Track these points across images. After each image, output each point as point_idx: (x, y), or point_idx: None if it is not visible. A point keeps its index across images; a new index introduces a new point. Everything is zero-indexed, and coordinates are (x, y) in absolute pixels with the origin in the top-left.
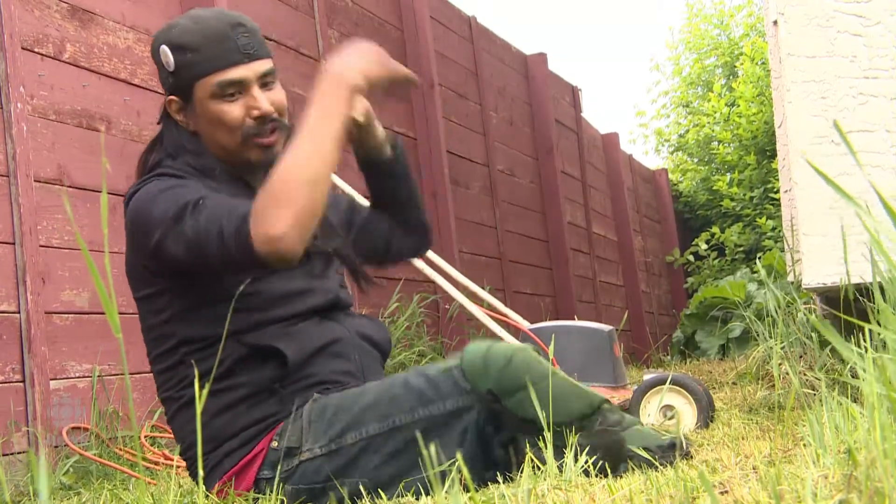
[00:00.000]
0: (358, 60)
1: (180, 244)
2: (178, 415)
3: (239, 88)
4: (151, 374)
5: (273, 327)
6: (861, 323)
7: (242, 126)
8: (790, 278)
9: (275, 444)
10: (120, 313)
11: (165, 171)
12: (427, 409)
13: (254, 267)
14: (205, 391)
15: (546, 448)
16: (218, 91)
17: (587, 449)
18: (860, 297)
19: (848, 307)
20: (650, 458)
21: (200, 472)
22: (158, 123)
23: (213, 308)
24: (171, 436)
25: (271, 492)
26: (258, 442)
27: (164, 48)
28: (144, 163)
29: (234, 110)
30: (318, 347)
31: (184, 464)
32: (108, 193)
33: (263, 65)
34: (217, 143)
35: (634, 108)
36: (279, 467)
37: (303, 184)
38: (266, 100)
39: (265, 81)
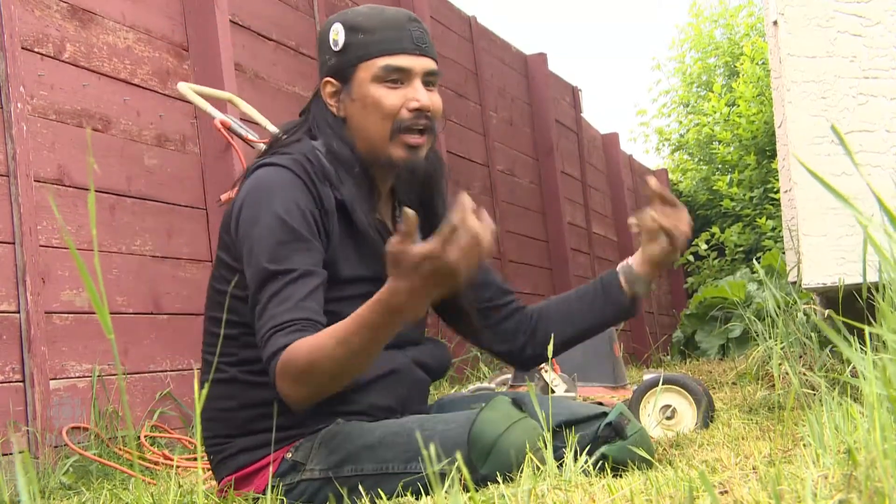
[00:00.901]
0: (432, 287)
1: (250, 284)
2: (212, 386)
3: (403, 77)
4: (151, 375)
5: None
6: (860, 325)
7: (397, 115)
8: (790, 278)
9: (289, 455)
10: (118, 313)
11: (301, 162)
12: (421, 465)
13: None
14: (204, 391)
15: (546, 448)
16: (382, 74)
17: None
18: (858, 298)
19: (847, 307)
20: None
21: (200, 473)
22: (301, 114)
23: None
24: (171, 435)
25: (273, 500)
26: (278, 449)
27: (338, 26)
28: (278, 139)
29: (393, 97)
30: (372, 378)
31: (184, 463)
32: (108, 193)
33: (430, 63)
34: (366, 130)
35: (635, 107)
36: (285, 478)
37: (330, 378)
38: (427, 95)
39: (428, 80)
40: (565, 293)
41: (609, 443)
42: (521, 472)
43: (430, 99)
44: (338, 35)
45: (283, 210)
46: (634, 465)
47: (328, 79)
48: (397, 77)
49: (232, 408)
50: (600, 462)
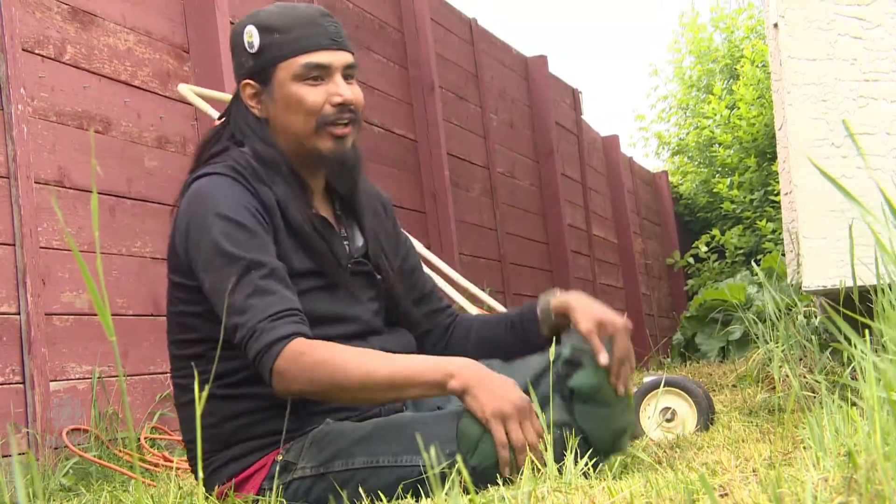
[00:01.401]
0: (489, 395)
1: (215, 293)
2: (188, 406)
3: (323, 73)
4: (151, 376)
5: None
6: (864, 320)
7: (320, 112)
8: (790, 281)
9: (280, 457)
10: (119, 315)
11: (234, 166)
12: (412, 458)
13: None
14: (204, 394)
15: (546, 450)
16: (302, 72)
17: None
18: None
19: (847, 310)
20: None
21: (200, 473)
22: (220, 119)
23: None
24: (171, 437)
25: (273, 501)
26: (268, 453)
27: (251, 28)
28: (203, 151)
29: (315, 94)
30: None
31: (184, 465)
32: (109, 195)
33: (349, 57)
34: (290, 129)
35: (634, 113)
36: (276, 480)
37: (341, 390)
38: (349, 89)
39: (347, 74)
40: (492, 316)
41: (570, 377)
42: (521, 473)
43: (352, 92)
44: (252, 37)
45: (230, 211)
46: (605, 393)
47: (247, 81)
48: (317, 74)
49: (214, 423)
50: (601, 465)
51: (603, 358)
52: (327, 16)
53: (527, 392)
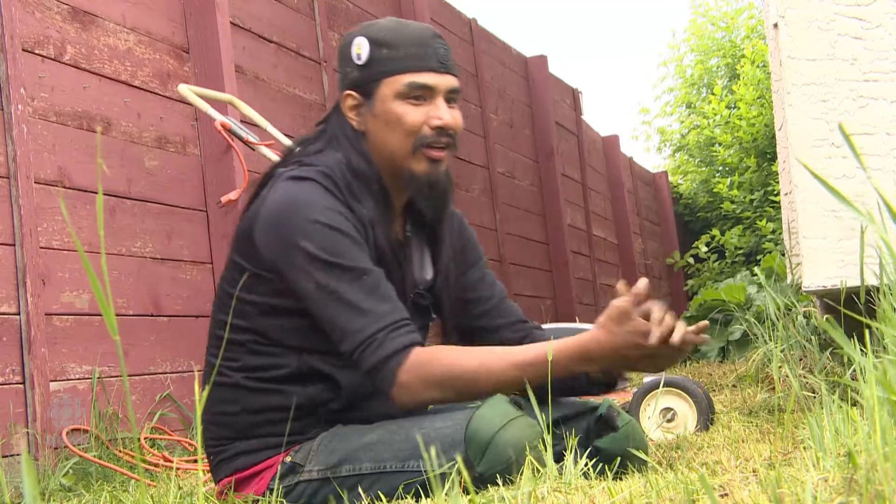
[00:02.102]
0: (623, 359)
1: (319, 297)
2: (216, 387)
3: (426, 94)
4: (151, 377)
5: (341, 359)
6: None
7: (419, 132)
8: (790, 281)
9: (288, 458)
10: (119, 315)
11: (330, 175)
12: (418, 463)
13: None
14: (205, 393)
15: (546, 450)
16: (405, 91)
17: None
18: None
19: (849, 308)
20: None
21: (200, 475)
22: (318, 124)
23: (303, 320)
24: (171, 437)
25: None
26: (278, 453)
27: (361, 40)
28: (297, 147)
29: (415, 114)
30: (375, 390)
31: (184, 465)
32: (109, 195)
33: (453, 81)
34: (386, 145)
35: (639, 105)
36: (284, 481)
37: (471, 392)
38: (449, 113)
39: (450, 97)
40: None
41: (601, 436)
42: (521, 474)
43: (453, 116)
44: (361, 49)
45: (329, 220)
46: (628, 461)
47: (349, 92)
48: (420, 94)
49: (233, 412)
50: (595, 458)
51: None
52: (438, 38)
53: (555, 426)
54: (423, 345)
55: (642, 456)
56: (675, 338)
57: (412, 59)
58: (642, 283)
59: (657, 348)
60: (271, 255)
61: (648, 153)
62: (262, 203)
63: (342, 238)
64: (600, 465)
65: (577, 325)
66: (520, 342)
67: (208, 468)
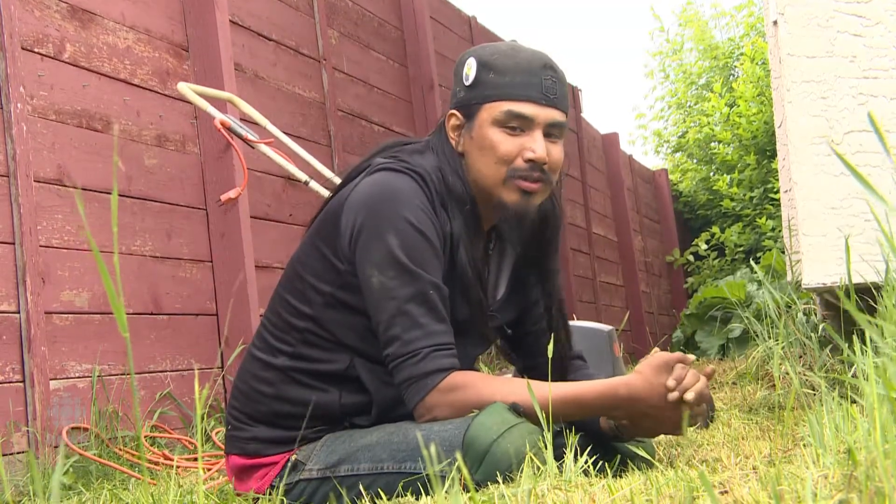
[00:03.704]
0: (649, 426)
1: (383, 295)
2: (259, 365)
3: (523, 125)
4: (151, 375)
5: (387, 373)
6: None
7: (511, 164)
8: (789, 278)
9: (294, 456)
10: None
11: (427, 178)
12: (415, 465)
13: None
14: (205, 391)
15: (546, 448)
16: (503, 118)
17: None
18: (858, 298)
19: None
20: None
21: (200, 473)
22: (416, 143)
23: (365, 319)
24: (171, 435)
25: (273, 500)
26: (286, 451)
27: (472, 60)
28: (398, 142)
29: (509, 144)
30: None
31: (184, 464)
32: (108, 193)
33: (556, 115)
34: (479, 171)
35: (633, 111)
36: (284, 478)
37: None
38: (544, 148)
39: (551, 132)
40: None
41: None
42: (521, 473)
43: (549, 151)
44: (470, 70)
45: (416, 218)
46: (636, 463)
47: (454, 112)
48: (517, 124)
49: (268, 394)
50: (601, 462)
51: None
52: (549, 69)
53: (559, 434)
54: (460, 370)
55: (648, 457)
56: (689, 396)
57: (515, 87)
58: (689, 357)
59: (670, 407)
60: (352, 242)
61: (647, 156)
62: (354, 188)
63: (425, 244)
64: (600, 462)
65: (592, 324)
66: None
67: (209, 466)
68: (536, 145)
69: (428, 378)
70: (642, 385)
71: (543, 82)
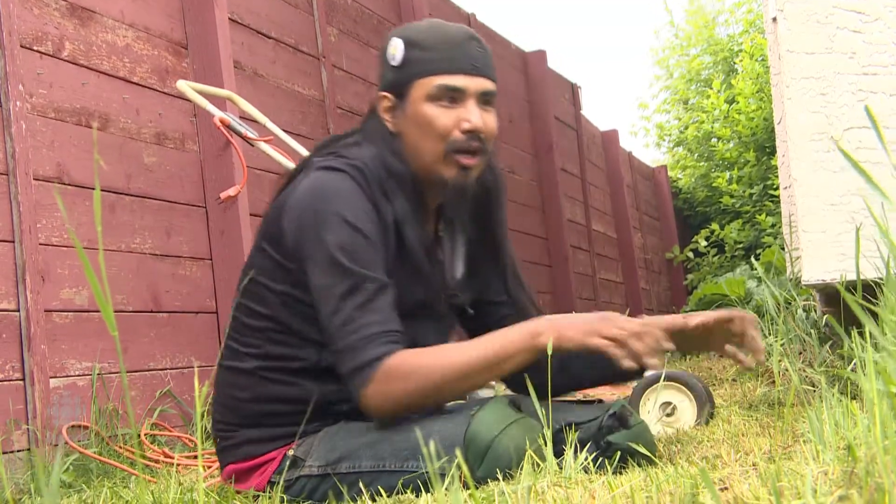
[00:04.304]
0: (577, 325)
1: (322, 294)
2: (230, 371)
3: (457, 97)
4: (151, 373)
5: None
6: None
7: (449, 136)
8: (789, 275)
9: (290, 452)
10: (117, 311)
11: (363, 170)
12: (417, 464)
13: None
14: (205, 388)
15: (546, 445)
16: (436, 93)
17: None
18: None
19: (847, 304)
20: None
21: (200, 471)
22: (351, 135)
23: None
24: (171, 433)
25: (273, 498)
26: (282, 445)
27: (397, 40)
28: (336, 140)
29: (445, 117)
30: None
31: (184, 461)
32: (107, 191)
33: (487, 84)
34: (418, 149)
35: (637, 100)
36: (283, 475)
37: (439, 395)
38: (480, 116)
39: (484, 100)
40: None
41: (613, 432)
42: (521, 470)
43: (484, 120)
44: (396, 50)
45: (351, 215)
46: (636, 460)
47: (384, 94)
48: (452, 96)
49: (245, 399)
50: (601, 459)
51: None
52: (474, 40)
53: (560, 431)
54: (401, 353)
55: (649, 454)
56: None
57: (444, 61)
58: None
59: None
60: (294, 243)
61: (647, 149)
62: (293, 190)
63: (361, 240)
64: (600, 459)
65: None
66: None
67: (209, 464)
68: (472, 115)
69: (363, 371)
70: (556, 317)
71: (471, 53)
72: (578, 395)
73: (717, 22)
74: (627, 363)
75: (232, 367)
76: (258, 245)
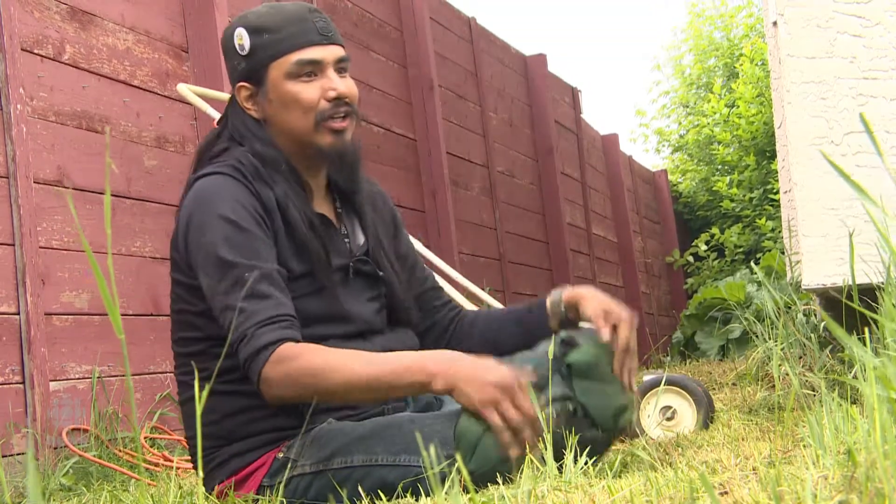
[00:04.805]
0: (476, 382)
1: (212, 295)
2: (190, 403)
3: (315, 69)
4: (151, 376)
5: None
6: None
7: (317, 107)
8: (789, 279)
9: (280, 454)
10: (120, 314)
11: (236, 166)
12: (409, 458)
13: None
14: (205, 393)
15: (546, 449)
16: (295, 70)
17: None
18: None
19: (848, 308)
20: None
21: (200, 473)
22: (217, 123)
23: None
24: (171, 437)
25: (272, 500)
26: (270, 450)
27: (240, 31)
28: (204, 151)
29: (309, 90)
30: None
31: (184, 465)
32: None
33: (340, 51)
34: (288, 127)
35: (635, 108)
36: (277, 477)
37: (325, 394)
38: (342, 83)
39: (340, 67)
40: (497, 311)
41: (567, 355)
42: (521, 472)
43: (346, 85)
44: (242, 39)
45: (230, 211)
46: (603, 368)
47: (241, 84)
48: (310, 70)
49: (215, 419)
50: (600, 463)
51: (604, 333)
52: (315, 11)
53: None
54: (298, 340)
55: (609, 365)
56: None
57: (294, 38)
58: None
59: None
60: (189, 258)
61: (647, 153)
62: (180, 211)
63: (239, 233)
64: (600, 463)
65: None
66: (449, 324)
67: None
68: (335, 83)
69: (259, 355)
70: (455, 359)
71: (318, 25)
72: None
73: (718, 26)
74: (510, 451)
75: (188, 399)
76: (171, 278)
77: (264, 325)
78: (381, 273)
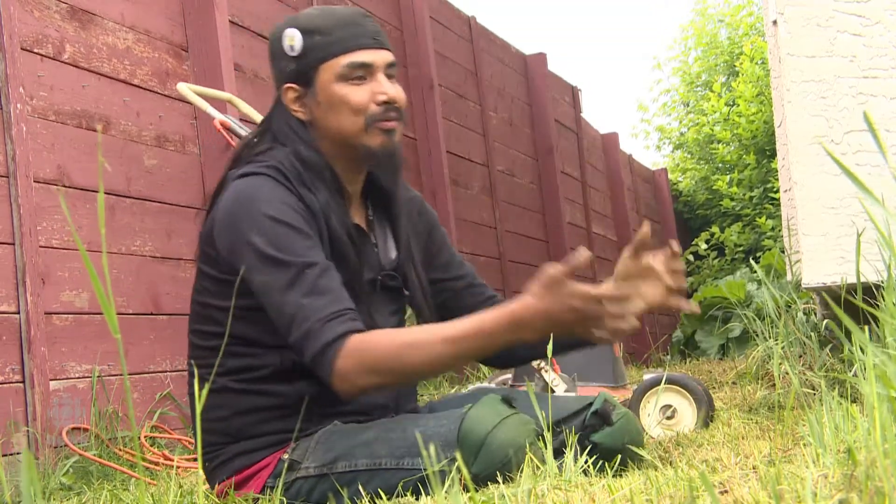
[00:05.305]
0: (560, 321)
1: (267, 293)
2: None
3: (366, 72)
4: (151, 375)
5: None
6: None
7: (367, 110)
8: (789, 278)
9: (285, 455)
10: (118, 313)
11: (278, 168)
12: (413, 461)
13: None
14: (204, 392)
15: (546, 448)
16: (346, 72)
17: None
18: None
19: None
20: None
21: (200, 472)
22: (261, 124)
23: (267, 316)
24: (171, 436)
25: (273, 501)
26: (275, 451)
27: (292, 31)
28: (243, 150)
29: (360, 93)
30: None
31: (184, 464)
32: (108, 194)
33: (389, 56)
34: (337, 129)
35: (637, 102)
36: (281, 478)
37: (410, 373)
38: (393, 88)
39: (389, 72)
40: None
41: (597, 431)
42: (521, 472)
43: (396, 90)
44: (293, 40)
45: (277, 213)
46: (626, 456)
47: (289, 85)
48: (361, 73)
49: (224, 416)
50: (594, 456)
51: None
52: (367, 16)
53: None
54: (362, 331)
55: (639, 451)
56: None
57: (346, 41)
58: (582, 253)
59: (594, 310)
60: (229, 255)
61: (648, 150)
62: (218, 209)
63: (288, 231)
64: (600, 462)
65: None
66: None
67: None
68: (386, 87)
69: (328, 350)
70: (539, 303)
71: (369, 29)
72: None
73: (719, 25)
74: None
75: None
76: (199, 269)
77: (329, 321)
78: (406, 292)
